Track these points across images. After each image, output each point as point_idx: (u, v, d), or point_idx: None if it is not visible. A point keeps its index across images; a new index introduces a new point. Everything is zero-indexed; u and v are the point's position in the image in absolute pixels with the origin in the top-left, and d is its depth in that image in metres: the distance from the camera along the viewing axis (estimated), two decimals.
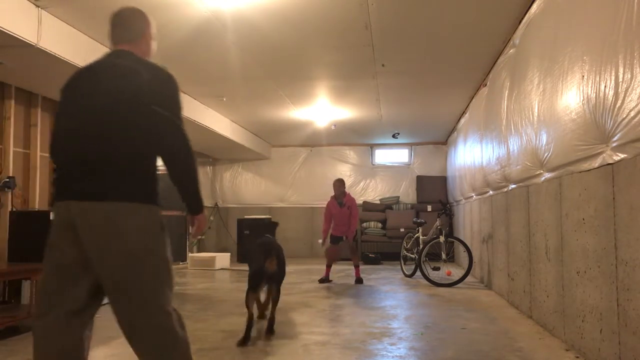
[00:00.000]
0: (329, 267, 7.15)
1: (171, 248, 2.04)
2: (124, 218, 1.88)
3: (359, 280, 6.94)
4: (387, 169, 11.37)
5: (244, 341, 3.58)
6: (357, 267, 7.13)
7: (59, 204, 1.96)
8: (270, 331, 3.90)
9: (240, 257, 10.10)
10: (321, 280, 7.03)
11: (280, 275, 4.03)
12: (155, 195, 1.97)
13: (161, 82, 2.00)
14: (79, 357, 1.94)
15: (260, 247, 4.05)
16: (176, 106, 2.00)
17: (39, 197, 5.50)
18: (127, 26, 2.14)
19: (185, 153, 1.97)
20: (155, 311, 1.92)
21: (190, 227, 2.14)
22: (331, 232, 7.19)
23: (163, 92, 1.99)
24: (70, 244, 1.94)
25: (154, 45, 2.26)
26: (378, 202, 11.07)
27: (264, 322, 4.14)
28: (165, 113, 1.93)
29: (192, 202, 2.06)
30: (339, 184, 7.21)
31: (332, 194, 7.24)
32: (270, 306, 4.08)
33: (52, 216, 2.04)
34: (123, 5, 2.25)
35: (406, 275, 7.58)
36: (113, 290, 1.92)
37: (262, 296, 4.45)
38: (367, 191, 11.30)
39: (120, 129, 1.91)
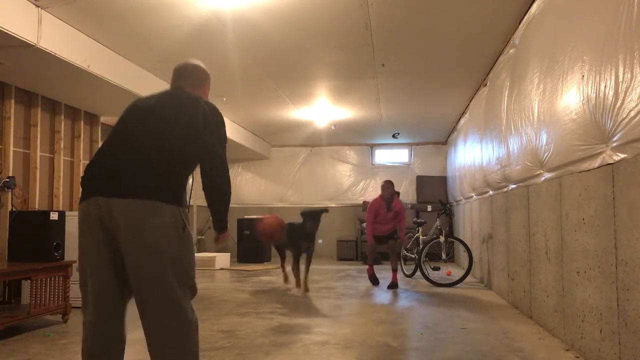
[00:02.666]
0: (371, 265, 6.70)
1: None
2: (151, 214, 1.97)
3: (393, 285, 6.43)
4: (387, 169, 11.37)
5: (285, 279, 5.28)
6: (394, 270, 6.57)
7: (89, 200, 2.02)
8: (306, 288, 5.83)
9: (241, 257, 10.10)
10: (373, 281, 6.68)
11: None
12: (180, 199, 2.08)
13: (215, 118, 2.20)
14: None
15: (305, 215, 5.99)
16: (222, 138, 2.22)
17: (39, 197, 5.49)
18: (192, 75, 2.38)
19: (226, 186, 2.19)
20: (175, 310, 1.99)
21: (214, 240, 2.41)
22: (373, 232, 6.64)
23: (215, 127, 2.19)
24: (101, 242, 2.01)
25: (209, 94, 2.47)
26: None
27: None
28: (214, 144, 2.14)
29: (221, 224, 2.29)
30: (389, 185, 6.60)
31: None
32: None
33: (79, 215, 2.07)
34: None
35: (406, 275, 7.58)
36: (133, 281, 2.00)
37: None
38: (367, 191, 11.29)
39: (172, 147, 2.06)
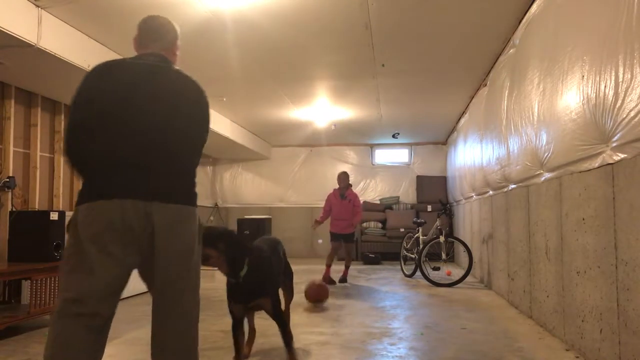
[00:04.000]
0: (329, 266, 7.05)
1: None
2: (188, 220, 1.98)
3: (343, 280, 6.93)
4: (387, 169, 11.37)
5: None
6: (347, 268, 7.08)
7: (116, 201, 1.83)
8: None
9: None
10: (337, 281, 6.92)
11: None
12: (196, 198, 2.09)
13: (207, 104, 2.17)
14: None
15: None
16: (207, 126, 2.19)
17: (39, 197, 5.49)
18: (159, 35, 2.17)
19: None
20: (190, 310, 2.01)
21: None
22: (330, 228, 7.11)
23: (207, 114, 2.17)
24: (129, 244, 1.86)
25: (178, 54, 2.31)
26: (378, 202, 11.07)
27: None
28: (205, 134, 2.14)
29: None
30: (344, 176, 7.14)
31: (328, 193, 7.23)
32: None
33: (89, 215, 1.84)
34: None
35: (406, 275, 7.58)
36: (164, 285, 1.95)
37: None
38: (367, 191, 11.30)
39: (187, 139, 2.03)
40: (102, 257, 1.83)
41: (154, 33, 2.16)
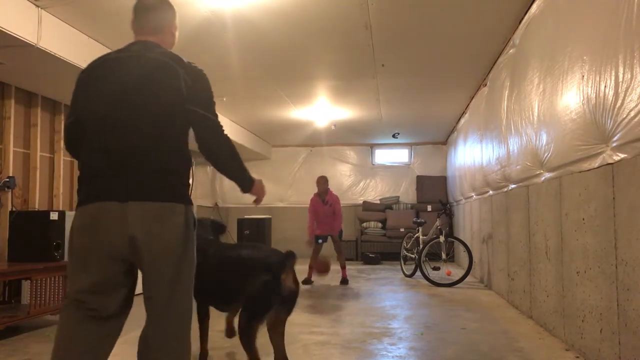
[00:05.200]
0: (311, 268, 7.06)
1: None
2: (169, 217, 1.89)
3: (344, 281, 6.92)
4: (387, 169, 11.37)
5: None
6: (343, 267, 7.09)
7: (99, 204, 1.86)
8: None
9: None
10: (304, 282, 6.92)
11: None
12: (189, 195, 2.01)
13: (197, 81, 2.01)
14: None
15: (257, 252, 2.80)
16: (211, 103, 2.03)
17: (39, 197, 5.49)
18: (154, 15, 2.10)
19: (229, 149, 2.03)
20: (183, 309, 1.94)
21: (253, 202, 2.24)
22: (315, 231, 7.14)
23: (200, 91, 2.00)
24: (113, 245, 1.87)
25: (177, 34, 2.23)
26: (378, 202, 11.07)
27: None
28: (201, 112, 1.96)
29: (244, 183, 2.14)
30: (323, 181, 7.20)
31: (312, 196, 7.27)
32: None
33: (80, 217, 1.91)
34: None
35: (406, 275, 7.58)
36: (154, 284, 1.91)
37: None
38: (367, 191, 11.30)
39: (161, 128, 1.91)
40: (90, 257, 1.87)
41: (141, 15, 2.10)
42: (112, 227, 1.84)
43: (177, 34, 2.20)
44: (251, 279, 2.57)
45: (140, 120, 1.89)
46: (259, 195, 2.20)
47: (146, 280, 1.92)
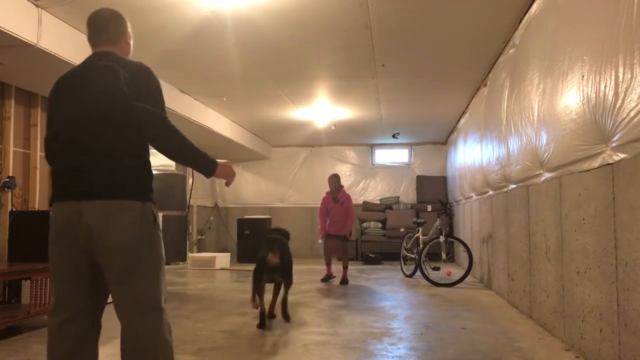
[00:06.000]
0: (329, 264, 7.12)
1: (164, 246, 2.11)
2: (119, 214, 1.95)
3: (344, 281, 6.90)
4: (387, 169, 11.38)
5: (261, 325, 4.11)
6: (345, 268, 7.08)
7: (58, 205, 2.03)
8: (286, 317, 4.34)
9: (241, 257, 10.10)
10: (324, 279, 7.01)
11: (283, 268, 4.29)
12: (148, 192, 2.04)
13: (139, 77, 2.03)
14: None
15: (265, 242, 4.37)
16: (156, 98, 2.04)
17: (39, 197, 5.50)
18: (107, 29, 2.18)
19: (178, 140, 2.03)
20: (149, 304, 1.98)
21: (225, 184, 2.29)
22: (326, 229, 7.14)
23: (142, 87, 2.02)
24: (73, 243, 2.00)
25: (132, 42, 2.30)
26: (378, 202, 11.07)
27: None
28: (145, 107, 1.97)
29: (205, 168, 2.14)
30: (335, 179, 7.21)
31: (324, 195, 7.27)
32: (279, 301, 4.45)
33: (52, 217, 2.07)
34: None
35: (406, 275, 7.58)
36: (114, 283, 1.99)
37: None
38: (367, 191, 11.30)
39: (107, 128, 1.98)
40: (57, 257, 2.06)
41: (95, 30, 2.19)
42: (70, 222, 1.98)
43: (131, 42, 2.29)
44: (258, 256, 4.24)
45: (91, 124, 1.99)
46: (227, 178, 2.22)
47: (107, 274, 2.00)
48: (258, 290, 4.10)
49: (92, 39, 2.19)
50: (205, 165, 2.12)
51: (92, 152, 1.97)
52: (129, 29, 2.27)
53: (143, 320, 1.96)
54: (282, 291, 4.43)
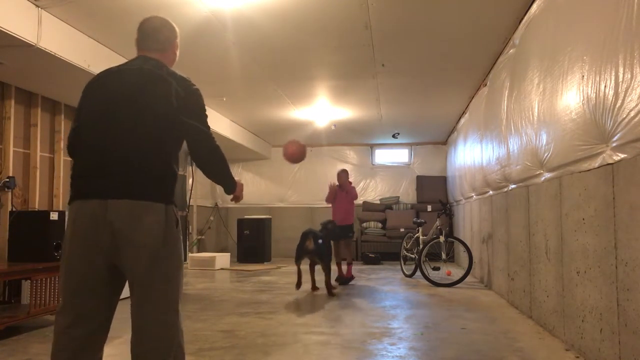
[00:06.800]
0: (338, 264, 7.01)
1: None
2: (145, 215, 1.96)
3: (344, 281, 6.85)
4: (387, 169, 11.37)
5: (298, 286, 5.92)
6: (349, 264, 7.04)
7: (81, 202, 1.98)
8: (330, 294, 5.86)
9: (241, 257, 10.10)
10: (340, 281, 6.86)
11: (318, 251, 5.84)
12: (171, 195, 2.08)
13: (189, 94, 2.13)
14: None
15: (302, 235, 5.95)
16: (203, 115, 2.18)
17: (39, 197, 5.50)
18: (157, 37, 2.24)
19: (218, 157, 2.19)
20: (167, 306, 1.98)
21: (233, 199, 2.46)
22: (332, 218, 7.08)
23: (192, 104, 2.14)
24: (92, 242, 1.95)
25: (178, 53, 2.36)
26: (378, 202, 11.07)
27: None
28: (195, 124, 2.10)
29: (230, 187, 2.34)
30: (344, 174, 7.30)
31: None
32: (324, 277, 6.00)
33: (71, 215, 2.02)
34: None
35: (406, 275, 7.58)
36: (134, 283, 1.97)
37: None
38: (367, 191, 11.30)
39: (147, 133, 2.01)
40: (73, 255, 1.98)
41: (146, 36, 2.24)
42: (94, 220, 1.94)
43: (178, 52, 2.35)
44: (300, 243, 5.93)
45: (131, 126, 2.00)
46: (240, 195, 2.43)
47: (128, 276, 1.98)
48: (297, 262, 5.93)
49: (141, 43, 2.24)
50: (232, 184, 2.33)
51: (126, 153, 1.98)
52: (178, 39, 2.32)
53: (160, 322, 1.95)
54: (324, 276, 5.95)
